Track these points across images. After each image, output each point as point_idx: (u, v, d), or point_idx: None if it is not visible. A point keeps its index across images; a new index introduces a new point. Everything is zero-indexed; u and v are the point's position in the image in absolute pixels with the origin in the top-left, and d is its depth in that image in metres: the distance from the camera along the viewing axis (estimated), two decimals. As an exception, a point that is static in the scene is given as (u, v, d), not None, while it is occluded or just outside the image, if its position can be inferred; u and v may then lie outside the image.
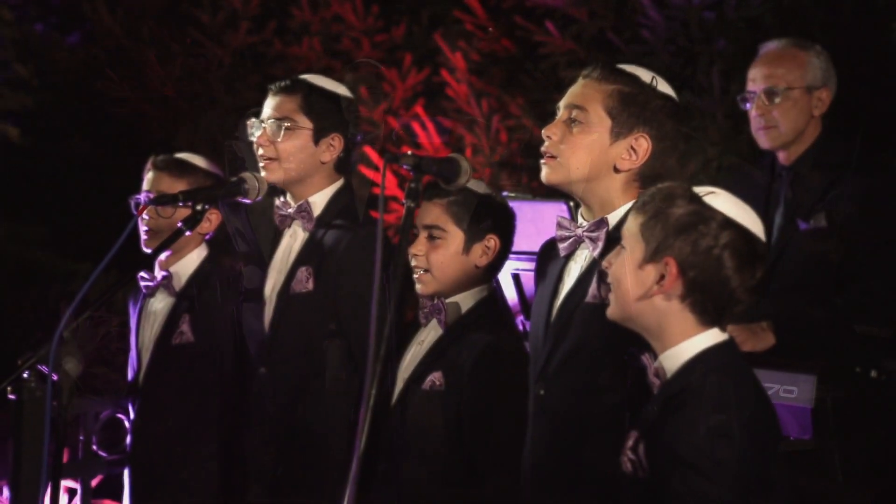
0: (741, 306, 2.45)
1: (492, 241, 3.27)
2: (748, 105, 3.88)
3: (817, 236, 3.74)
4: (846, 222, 3.71)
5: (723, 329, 2.45)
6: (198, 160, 4.03)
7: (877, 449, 3.72)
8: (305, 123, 3.63)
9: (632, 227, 2.47)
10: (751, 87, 3.88)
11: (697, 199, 2.44)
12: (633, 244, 2.46)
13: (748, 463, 2.34)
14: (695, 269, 2.40)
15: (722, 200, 2.45)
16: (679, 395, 2.38)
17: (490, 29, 5.69)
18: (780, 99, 3.81)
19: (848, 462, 3.67)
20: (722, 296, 2.42)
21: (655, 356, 2.47)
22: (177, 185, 3.89)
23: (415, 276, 3.28)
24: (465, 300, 3.28)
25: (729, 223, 2.42)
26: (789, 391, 3.36)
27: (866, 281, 3.67)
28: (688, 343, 2.43)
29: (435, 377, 3.20)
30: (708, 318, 2.43)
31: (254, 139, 3.67)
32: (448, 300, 3.27)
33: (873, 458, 3.72)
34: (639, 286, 2.44)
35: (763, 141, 3.87)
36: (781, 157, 3.90)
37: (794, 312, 3.61)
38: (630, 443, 2.42)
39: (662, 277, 2.42)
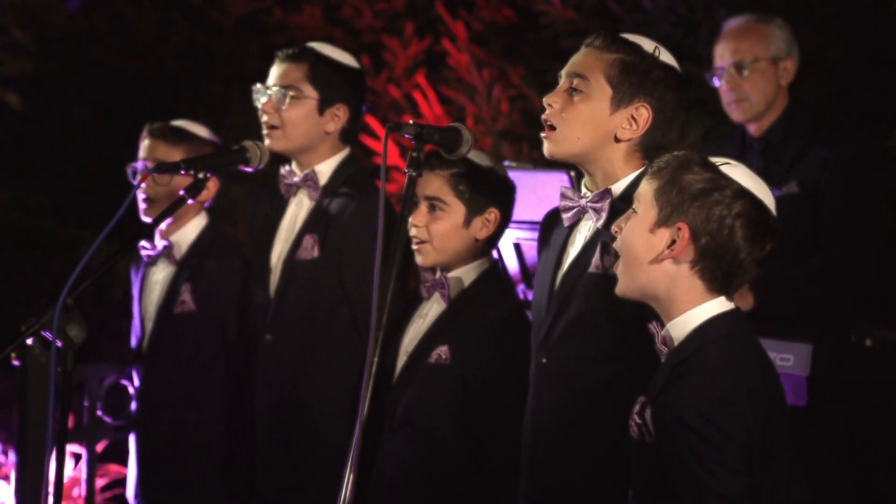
0: (748, 276, 2.47)
1: (492, 215, 3.27)
2: (717, 81, 3.95)
3: (790, 202, 3.80)
4: (817, 187, 3.77)
5: (729, 298, 2.47)
6: (194, 127, 4.02)
7: (870, 417, 3.76)
8: (311, 93, 3.63)
9: (646, 192, 2.48)
10: (718, 63, 3.97)
11: (713, 168, 2.45)
12: (646, 208, 2.47)
13: (754, 431, 2.36)
14: (707, 235, 2.42)
15: (737, 171, 2.46)
16: (686, 362, 2.40)
17: (491, -2, 5.67)
18: (749, 71, 3.89)
19: (841, 430, 3.71)
20: (732, 264, 2.43)
21: (663, 325, 2.49)
22: (173, 153, 3.89)
23: (414, 246, 3.29)
24: (468, 274, 3.29)
25: (743, 193, 2.43)
26: (785, 359, 3.40)
27: (841, 244, 3.74)
28: (695, 311, 2.44)
29: (441, 351, 3.22)
30: (716, 285, 2.45)
31: (258, 105, 3.68)
32: (450, 274, 3.28)
33: (867, 426, 3.76)
34: (650, 250, 2.45)
35: (735, 114, 3.96)
36: (752, 129, 3.98)
37: (772, 275, 3.66)
38: (637, 407, 2.44)
39: (674, 242, 2.44)
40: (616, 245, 2.53)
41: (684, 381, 2.37)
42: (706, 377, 2.37)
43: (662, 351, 2.48)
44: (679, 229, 2.43)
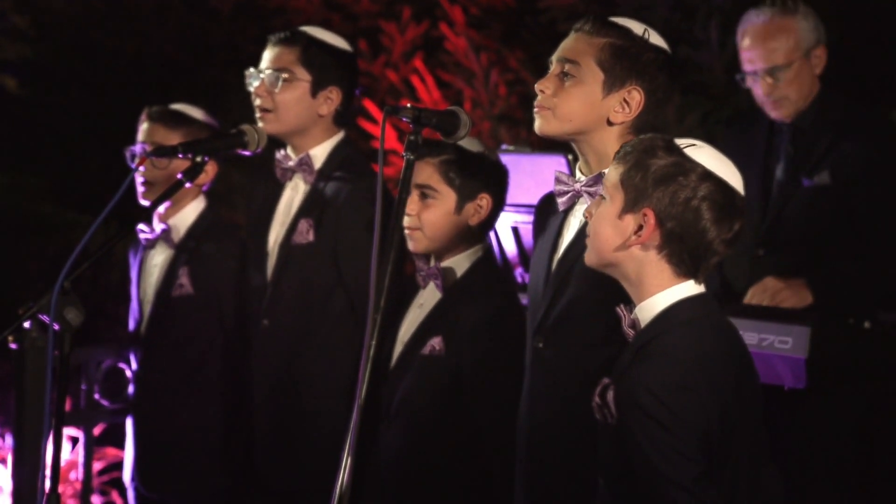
0: (718, 258, 2.47)
1: (484, 200, 3.27)
2: (750, 83, 3.85)
3: (821, 193, 3.75)
4: (850, 180, 3.72)
5: (698, 282, 2.47)
6: (193, 111, 4.03)
7: (868, 400, 3.76)
8: (304, 75, 3.63)
9: (612, 177, 2.48)
10: (748, 67, 3.85)
11: (678, 151, 2.44)
12: (613, 194, 2.47)
13: (712, 417, 2.35)
14: (673, 220, 2.42)
15: (702, 153, 2.45)
16: (648, 345, 2.41)
17: (489, -18, 5.66)
18: (784, 74, 3.78)
19: (843, 412, 3.72)
20: (699, 247, 2.43)
21: (633, 308, 2.50)
22: (172, 136, 3.90)
23: (406, 232, 3.29)
24: (461, 263, 3.28)
25: (708, 175, 2.43)
26: (784, 342, 3.40)
27: (886, 242, 3.70)
28: (661, 295, 2.44)
29: (435, 342, 3.22)
30: (684, 269, 2.45)
31: (251, 89, 3.68)
32: (443, 264, 3.28)
33: (865, 408, 3.76)
34: (617, 236, 2.46)
35: (774, 113, 3.84)
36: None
37: (829, 270, 3.64)
38: (598, 389, 2.45)
39: (640, 228, 2.44)
40: (587, 230, 2.54)
41: (643, 364, 2.38)
42: (664, 361, 2.37)
43: (629, 334, 2.49)
44: (645, 215, 2.43)
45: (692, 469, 2.32)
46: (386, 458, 3.24)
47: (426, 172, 3.25)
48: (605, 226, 2.47)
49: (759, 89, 3.85)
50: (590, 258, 2.53)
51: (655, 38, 2.84)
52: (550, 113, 2.82)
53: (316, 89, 3.64)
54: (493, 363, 3.16)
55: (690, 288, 2.46)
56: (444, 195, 3.25)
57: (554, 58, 2.86)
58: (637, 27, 2.83)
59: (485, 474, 3.16)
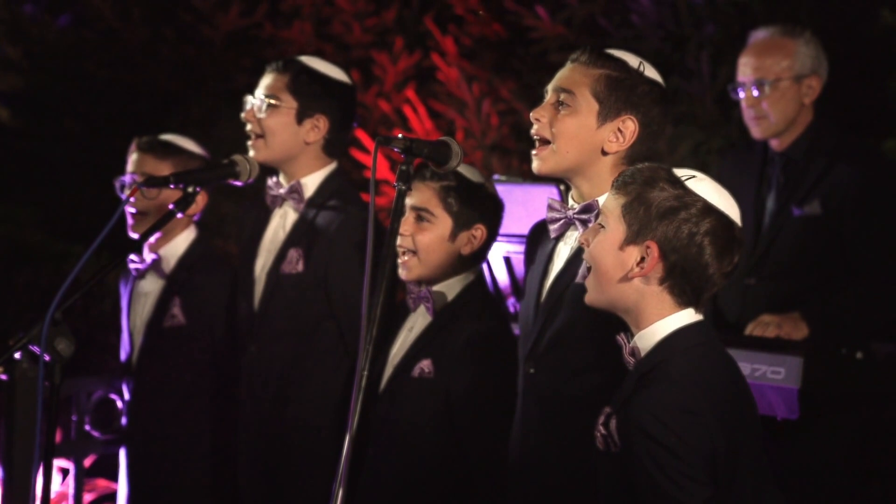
0: (716, 289, 2.49)
1: (478, 231, 3.28)
2: (739, 94, 3.89)
3: (811, 223, 3.77)
4: (841, 210, 3.74)
5: (697, 310, 2.49)
6: (182, 141, 4.03)
7: (861, 430, 3.76)
8: (290, 102, 3.64)
9: (612, 207, 2.49)
10: (740, 77, 3.89)
11: (679, 184, 2.46)
12: (613, 225, 2.49)
13: (717, 441, 2.36)
14: (676, 253, 2.44)
15: (703, 186, 2.48)
16: (650, 372, 2.42)
17: (480, 13, 5.68)
18: (769, 90, 3.82)
19: (835, 442, 3.72)
20: (700, 280, 2.46)
21: (632, 336, 2.51)
22: (161, 167, 3.90)
23: (399, 260, 3.29)
24: (452, 287, 3.28)
25: (710, 210, 2.45)
26: (777, 372, 3.40)
27: (878, 272, 3.70)
28: (662, 323, 2.46)
29: (424, 365, 3.22)
30: (685, 299, 2.47)
31: (243, 116, 3.69)
32: (434, 288, 3.28)
33: (858, 439, 3.76)
34: (619, 268, 2.47)
35: (755, 131, 3.89)
36: (774, 143, 3.93)
37: (824, 302, 3.64)
38: (602, 418, 2.46)
39: (643, 260, 2.45)
40: (585, 257, 2.55)
41: (647, 390, 2.39)
42: (668, 387, 2.38)
43: (630, 362, 2.49)
44: (648, 247, 2.45)
45: (702, 492, 2.33)
46: (377, 481, 3.23)
47: (426, 195, 3.25)
48: (607, 256, 2.48)
49: (744, 102, 3.87)
50: (591, 297, 2.53)
51: (650, 72, 2.87)
52: (548, 151, 2.83)
53: (301, 116, 3.65)
54: (484, 385, 3.16)
55: (690, 316, 2.48)
56: (441, 220, 3.25)
57: (549, 87, 2.89)
58: (633, 60, 2.86)
59: (477, 495, 3.15)
